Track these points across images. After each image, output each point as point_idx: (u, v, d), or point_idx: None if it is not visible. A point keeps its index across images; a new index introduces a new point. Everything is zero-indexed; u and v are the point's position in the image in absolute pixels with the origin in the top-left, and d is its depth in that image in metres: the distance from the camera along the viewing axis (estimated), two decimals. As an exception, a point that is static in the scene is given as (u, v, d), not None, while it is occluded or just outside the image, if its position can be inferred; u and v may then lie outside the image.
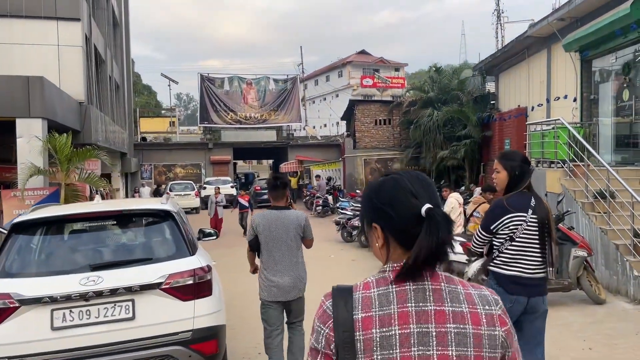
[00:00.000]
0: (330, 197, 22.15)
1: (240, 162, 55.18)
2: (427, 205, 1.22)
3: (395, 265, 1.25)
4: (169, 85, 41.70)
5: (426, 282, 1.23)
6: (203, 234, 6.23)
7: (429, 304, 1.21)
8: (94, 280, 4.11)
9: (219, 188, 16.94)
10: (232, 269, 9.48)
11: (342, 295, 1.24)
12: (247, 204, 16.18)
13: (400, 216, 1.24)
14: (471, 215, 9.60)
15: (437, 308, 1.21)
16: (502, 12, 29.38)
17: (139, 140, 32.39)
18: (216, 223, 15.66)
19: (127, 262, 4.42)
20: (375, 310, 1.20)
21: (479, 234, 3.67)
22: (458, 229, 9.93)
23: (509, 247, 3.51)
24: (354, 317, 1.20)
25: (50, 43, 13.85)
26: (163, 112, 63.46)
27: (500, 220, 3.52)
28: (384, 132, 26.20)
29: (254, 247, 4.54)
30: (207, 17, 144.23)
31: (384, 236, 1.27)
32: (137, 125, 44.14)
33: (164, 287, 4.21)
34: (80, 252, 4.57)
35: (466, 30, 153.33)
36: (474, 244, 3.77)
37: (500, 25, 29.47)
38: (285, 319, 4.60)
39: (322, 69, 59.76)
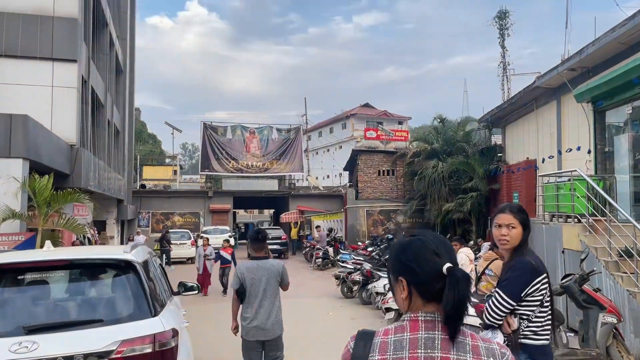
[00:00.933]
0: (331, 249, 21.35)
1: (241, 212, 54.49)
2: (448, 264, 1.46)
3: (413, 315, 1.49)
4: (172, 134, 41.53)
5: (436, 332, 1.44)
6: (184, 288, 5.75)
7: (436, 352, 1.42)
8: (27, 347, 3.30)
9: (207, 239, 15.06)
10: (215, 325, 8.54)
11: (363, 338, 1.51)
12: (230, 258, 14.17)
13: (424, 272, 1.47)
14: (483, 273, 8.68)
15: (443, 355, 1.42)
16: (508, 65, 29.26)
17: (137, 188, 31.87)
18: (204, 279, 14.06)
19: (71, 324, 3.62)
20: (389, 354, 1.45)
21: (504, 303, 3.09)
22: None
23: (539, 314, 3.15)
24: (370, 358, 1.46)
25: (44, 84, 13.44)
26: (168, 160, 63.53)
27: (532, 285, 3.07)
28: (387, 183, 25.76)
29: (241, 294, 4.98)
30: (215, 70, 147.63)
31: (408, 289, 1.50)
32: (138, 172, 43.82)
33: (115, 356, 3.37)
34: (15, 311, 3.73)
35: (468, 87, 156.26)
36: (494, 315, 3.16)
37: (506, 78, 29.34)
38: (263, 358, 5.00)
39: (326, 121, 59.86)
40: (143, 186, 32.94)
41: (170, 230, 26.10)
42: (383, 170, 25.75)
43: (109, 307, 3.90)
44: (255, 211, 58.81)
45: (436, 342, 1.43)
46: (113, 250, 4.50)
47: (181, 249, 23.66)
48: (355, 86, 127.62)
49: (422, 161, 22.79)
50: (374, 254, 17.01)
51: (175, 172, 55.07)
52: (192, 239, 25.06)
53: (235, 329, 5.23)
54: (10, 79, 13.14)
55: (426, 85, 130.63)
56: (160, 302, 4.17)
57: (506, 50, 29.79)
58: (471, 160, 19.89)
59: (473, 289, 8.90)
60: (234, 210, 36.13)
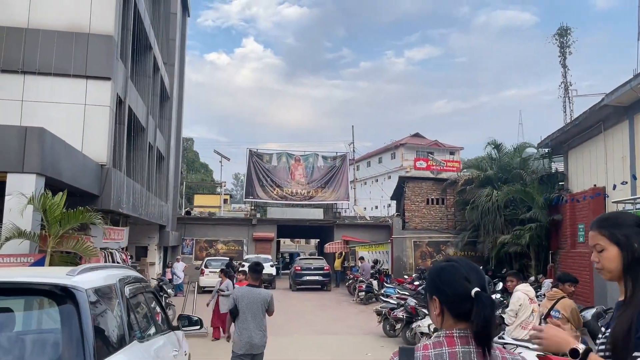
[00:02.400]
0: (375, 282, 20.07)
1: (287, 241, 53.64)
2: (476, 289, 1.68)
3: (448, 332, 1.72)
4: (220, 162, 41.61)
5: (471, 347, 1.68)
6: (189, 321, 5.36)
7: None
8: None
9: (223, 270, 12.25)
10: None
11: (406, 354, 1.72)
12: None
13: (454, 294, 1.71)
14: (548, 314, 7.06)
15: None
16: (570, 85, 27.19)
17: (182, 214, 31.62)
18: (218, 318, 11.41)
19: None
20: None
21: None
22: (530, 332, 7.35)
23: None
24: None
25: (78, 102, 13.00)
26: (218, 189, 64.09)
27: None
28: (437, 212, 24.40)
29: (234, 313, 6.01)
30: (267, 104, 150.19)
31: (440, 307, 1.74)
32: (184, 198, 43.82)
33: None
34: None
35: (523, 119, 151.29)
36: None
37: (568, 99, 27.24)
38: None
39: (375, 151, 59.23)
40: (188, 213, 32.71)
41: (210, 258, 25.46)
42: (432, 199, 24.40)
43: (27, 351, 2.76)
44: (302, 241, 57.97)
45: (472, 355, 1.66)
46: (52, 273, 3.40)
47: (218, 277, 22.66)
48: (405, 119, 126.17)
49: (475, 189, 21.37)
50: (420, 288, 15.75)
51: (225, 200, 55.48)
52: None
53: (228, 338, 6.67)
54: (43, 97, 12.77)
55: (478, 118, 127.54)
56: (109, 346, 2.99)
57: (567, 69, 27.78)
58: (529, 189, 18.09)
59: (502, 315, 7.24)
60: (278, 239, 35.46)
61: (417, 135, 56.97)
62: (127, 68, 15.35)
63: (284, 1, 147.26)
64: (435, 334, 1.73)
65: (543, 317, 7.13)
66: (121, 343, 3.36)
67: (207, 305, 11.82)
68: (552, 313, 6.89)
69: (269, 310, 6.18)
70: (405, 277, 20.43)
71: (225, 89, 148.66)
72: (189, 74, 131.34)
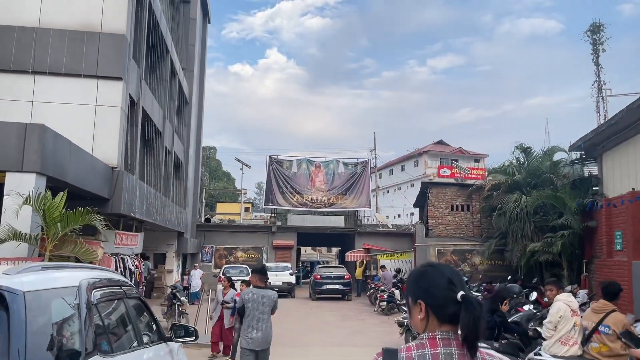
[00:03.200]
0: (397, 292, 19.46)
1: (308, 249, 53.19)
2: (462, 292, 1.77)
3: (430, 334, 1.79)
4: (241, 169, 41.53)
5: (453, 348, 1.76)
6: (184, 331, 4.94)
7: None
8: None
9: (229, 280, 10.97)
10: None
11: (390, 354, 1.81)
12: None
13: (441, 296, 1.78)
14: (595, 330, 6.17)
15: None
16: (604, 84, 25.82)
17: (202, 221, 31.50)
18: (221, 333, 10.21)
19: None
20: None
21: None
22: (571, 348, 6.49)
23: None
24: None
25: (88, 102, 12.61)
26: (240, 199, 64.02)
27: None
28: (462, 219, 23.61)
29: (241, 312, 6.61)
30: (290, 113, 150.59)
31: (426, 311, 1.81)
32: (203, 205, 43.63)
33: None
34: None
35: (550, 128, 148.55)
36: None
37: (602, 99, 25.85)
38: None
39: (398, 159, 58.72)
40: (208, 220, 32.56)
41: (229, 266, 25.27)
42: (457, 205, 23.59)
43: None
44: (324, 249, 57.47)
45: (454, 356, 1.74)
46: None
47: (238, 285, 22.15)
48: (428, 127, 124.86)
49: (502, 195, 20.52)
50: None
51: (246, 209, 55.32)
52: (250, 275, 23.61)
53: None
54: (53, 98, 12.41)
55: (503, 126, 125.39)
56: (65, 356, 2.42)
57: (601, 67, 26.41)
58: (561, 194, 17.09)
59: (579, 351, 6.47)
60: (298, 247, 34.95)
61: (440, 142, 56.24)
62: (140, 69, 15.00)
63: (307, 12, 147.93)
64: (419, 337, 1.81)
65: (588, 332, 6.24)
66: (73, 357, 2.72)
67: (210, 318, 10.82)
68: (601, 329, 6.02)
69: (274, 310, 6.71)
70: None
71: (249, 99, 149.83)
72: (214, 85, 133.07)
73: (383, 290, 19.62)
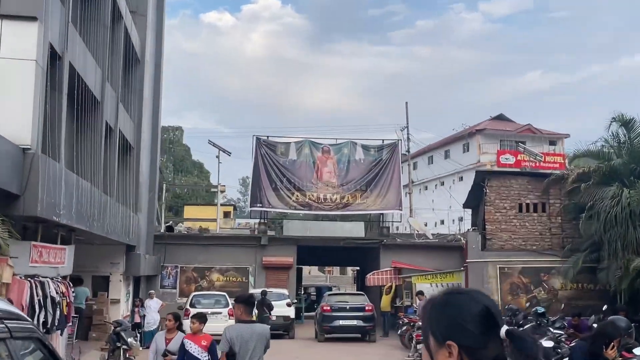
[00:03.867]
0: None
1: (313, 270, 53.23)
2: (506, 327, 1.87)
3: None
4: (218, 156, 40.42)
5: None
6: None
7: None
8: None
9: (175, 318, 9.45)
10: None
11: None
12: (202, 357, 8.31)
13: (483, 334, 1.85)
14: None
15: None
16: None
17: (162, 231, 31.25)
18: None
19: None
20: None
21: None
22: None
23: None
24: None
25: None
26: (222, 199, 63.95)
27: None
28: (534, 224, 23.58)
29: (230, 356, 7.05)
30: (288, 82, 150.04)
31: (459, 356, 1.85)
32: (164, 208, 43.38)
33: None
34: None
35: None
36: None
37: None
38: None
39: (440, 142, 59.13)
40: (170, 229, 32.13)
41: (199, 294, 25.43)
42: (527, 204, 23.40)
43: None
44: (336, 270, 57.43)
45: None
46: None
47: (213, 321, 21.80)
48: (481, 99, 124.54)
49: (593, 188, 20.42)
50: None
51: (226, 214, 55.25)
52: (230, 306, 23.49)
53: None
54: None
55: (589, 96, 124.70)
56: None
57: None
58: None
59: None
60: (299, 266, 35.14)
61: (500, 118, 56.71)
62: (66, 6, 14.69)
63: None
64: None
65: None
66: None
67: None
68: None
69: (266, 348, 7.29)
70: None
71: (229, 61, 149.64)
72: (179, 40, 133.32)
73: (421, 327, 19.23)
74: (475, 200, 26.94)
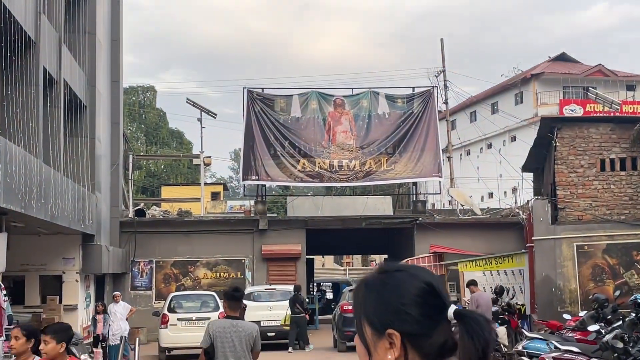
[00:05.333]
0: (503, 330, 19.57)
1: (328, 261, 53.06)
2: (454, 307, 1.87)
3: None
4: (199, 119, 39.88)
5: None
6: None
7: None
8: None
9: (23, 334, 7.81)
10: None
11: None
12: None
13: (429, 319, 1.85)
14: None
15: None
16: None
17: (130, 216, 31.33)
18: None
19: None
20: None
21: None
22: None
23: None
24: None
25: None
26: (209, 177, 63.27)
27: None
28: (623, 186, 23.17)
29: (210, 353, 7.75)
30: (285, 28, 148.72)
31: (403, 346, 1.85)
32: (139, 190, 42.73)
33: None
34: None
35: None
36: None
37: None
38: None
39: (485, 92, 58.43)
40: (140, 213, 32.14)
41: (180, 294, 25.75)
42: (611, 160, 22.88)
43: None
44: (356, 259, 57.13)
45: None
46: None
47: (199, 329, 21.56)
48: (533, 43, 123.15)
49: None
50: (603, 338, 14.81)
51: (215, 195, 55.03)
52: (222, 309, 23.32)
53: None
54: None
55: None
56: None
57: None
58: None
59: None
60: (310, 256, 35.75)
61: (562, 58, 56.45)
62: None
63: None
64: None
65: None
66: None
67: None
68: None
69: (254, 351, 7.84)
70: (566, 316, 19.14)
71: (212, 5, 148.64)
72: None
73: None
74: (538, 161, 26.59)
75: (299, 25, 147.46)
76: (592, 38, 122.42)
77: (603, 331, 15.63)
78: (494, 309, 20.33)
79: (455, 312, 1.83)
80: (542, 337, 16.00)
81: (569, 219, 23.15)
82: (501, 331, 19.17)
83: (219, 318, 23.14)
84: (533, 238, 23.82)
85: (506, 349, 19.04)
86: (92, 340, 21.17)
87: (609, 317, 17.15)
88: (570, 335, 16.43)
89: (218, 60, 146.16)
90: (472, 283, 21.87)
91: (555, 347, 14.26)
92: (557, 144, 23.08)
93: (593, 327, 15.95)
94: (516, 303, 23.10)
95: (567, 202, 23.18)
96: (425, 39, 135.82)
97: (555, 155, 23.21)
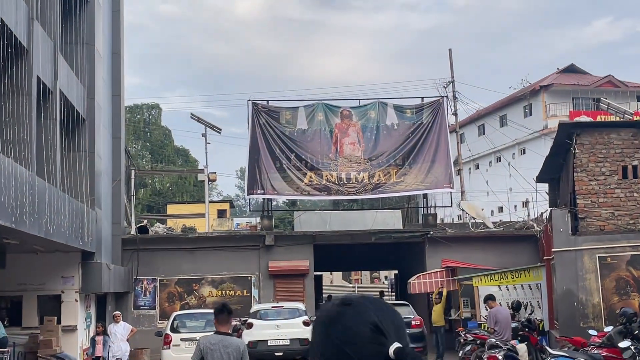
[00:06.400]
0: (523, 346, 19.35)
1: (335, 277, 52.61)
2: (396, 345, 1.85)
3: None
4: (204, 135, 39.99)
5: None
6: None
7: None
8: None
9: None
10: None
11: None
12: None
13: (366, 355, 1.87)
14: None
15: None
16: None
17: (132, 233, 31.05)
18: None
19: None
20: None
21: None
22: None
23: None
24: None
25: None
26: (215, 195, 62.70)
27: None
28: None
29: None
30: (290, 47, 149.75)
31: None
32: (144, 208, 42.16)
33: None
34: None
35: None
36: None
37: None
38: None
39: (493, 105, 58.42)
40: (143, 230, 31.73)
41: (183, 313, 25.54)
42: (634, 167, 22.31)
43: None
44: (365, 275, 56.54)
45: None
46: None
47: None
48: (537, 57, 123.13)
49: None
50: (628, 356, 15.44)
51: (221, 213, 54.93)
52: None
53: None
54: None
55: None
56: None
57: None
58: None
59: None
60: (318, 272, 36.61)
61: (571, 70, 56.42)
62: None
63: None
64: None
65: None
66: None
67: None
68: None
69: None
70: (592, 332, 18.47)
71: (217, 25, 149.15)
72: (156, 1, 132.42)
73: (495, 347, 18.55)
74: (554, 170, 26.03)
75: (304, 44, 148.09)
76: (596, 53, 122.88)
77: (632, 348, 15.44)
78: (514, 325, 20.11)
79: (395, 351, 1.84)
80: (567, 355, 15.62)
81: (591, 229, 22.55)
82: (521, 349, 18.91)
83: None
84: (553, 250, 23.18)
85: (527, 368, 18.61)
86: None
87: (636, 332, 16.60)
88: (596, 352, 15.92)
89: (223, 79, 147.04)
90: (489, 298, 21.28)
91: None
92: (577, 150, 22.54)
93: (624, 344, 15.73)
94: (535, 318, 23.09)
95: (588, 212, 22.61)
96: (430, 56, 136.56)
97: (574, 162, 22.66)
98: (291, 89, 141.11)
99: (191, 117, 40.13)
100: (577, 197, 22.70)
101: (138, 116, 69.36)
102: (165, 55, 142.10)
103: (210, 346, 8.22)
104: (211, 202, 52.32)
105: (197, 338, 22.92)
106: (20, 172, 15.53)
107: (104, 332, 21.75)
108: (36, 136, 18.19)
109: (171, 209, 55.83)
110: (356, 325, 1.89)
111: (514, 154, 53.00)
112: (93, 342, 21.75)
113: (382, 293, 24.04)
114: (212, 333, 8.87)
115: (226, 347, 8.22)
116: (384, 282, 62.68)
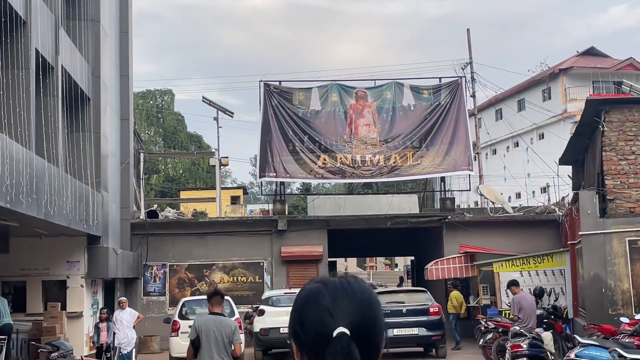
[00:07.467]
0: (548, 334, 18.78)
1: (350, 262, 52.12)
2: (341, 329, 1.89)
3: None
4: (215, 119, 39.82)
5: None
6: None
7: None
8: None
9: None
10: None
11: None
12: None
13: (307, 337, 1.95)
14: None
15: None
16: None
17: (142, 217, 30.94)
18: None
19: None
20: None
21: None
22: None
23: None
24: None
25: None
26: (219, 169, 63.42)
27: None
28: None
29: (196, 344, 9.20)
30: (305, 35, 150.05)
31: (300, 357, 2.00)
32: (156, 193, 41.72)
33: None
34: None
35: None
36: None
37: None
38: None
39: (511, 89, 57.72)
40: (152, 214, 31.47)
41: (191, 299, 25.03)
42: None
43: None
44: (379, 261, 55.99)
45: None
46: None
47: None
48: (554, 43, 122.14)
49: None
50: None
51: (234, 199, 55.01)
52: (237, 315, 23.01)
53: None
54: None
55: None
56: None
57: None
58: None
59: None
60: (332, 259, 36.13)
61: (591, 53, 55.90)
62: None
63: None
64: None
65: None
66: None
67: None
68: None
69: (234, 342, 9.33)
70: (622, 320, 18.01)
71: (232, 13, 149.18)
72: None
73: (519, 334, 18.19)
74: (578, 152, 25.38)
75: (318, 32, 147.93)
76: (612, 39, 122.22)
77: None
78: (538, 312, 20.12)
79: (337, 334, 1.87)
80: (598, 344, 15.05)
81: (620, 211, 21.75)
82: (547, 337, 18.40)
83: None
84: (580, 233, 22.54)
85: (552, 357, 18.33)
86: (95, 350, 20.83)
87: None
88: (628, 341, 15.59)
89: (237, 67, 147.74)
90: (513, 284, 20.89)
91: (620, 356, 13.46)
92: (605, 128, 21.76)
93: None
94: (561, 305, 23.48)
95: (617, 193, 21.81)
96: (444, 43, 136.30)
97: (603, 141, 21.87)
98: (304, 75, 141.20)
99: (203, 101, 40.10)
100: (605, 177, 21.94)
101: (151, 102, 70.00)
102: (180, 44, 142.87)
103: (205, 325, 9.20)
104: (224, 188, 52.37)
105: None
106: (16, 149, 15.03)
107: (108, 319, 21.14)
108: (35, 113, 18.09)
109: (184, 195, 56.03)
110: (308, 308, 1.95)
111: (532, 138, 52.74)
112: (97, 329, 21.17)
113: (401, 279, 23.52)
114: (207, 314, 9.87)
115: (219, 326, 9.20)
116: (394, 270, 63.13)
